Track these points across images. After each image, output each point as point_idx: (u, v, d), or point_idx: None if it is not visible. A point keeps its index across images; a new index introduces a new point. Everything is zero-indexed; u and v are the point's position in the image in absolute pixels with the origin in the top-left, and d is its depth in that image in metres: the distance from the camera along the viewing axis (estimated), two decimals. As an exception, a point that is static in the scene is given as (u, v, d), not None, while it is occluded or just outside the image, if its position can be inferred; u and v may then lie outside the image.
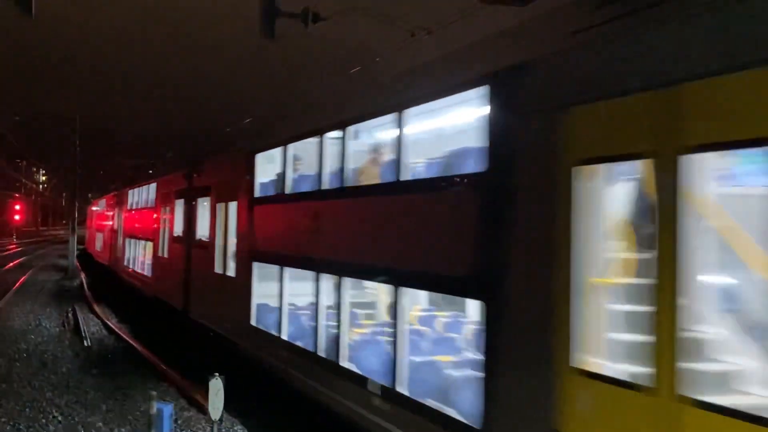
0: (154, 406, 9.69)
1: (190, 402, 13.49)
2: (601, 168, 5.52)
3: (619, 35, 5.51)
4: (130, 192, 32.44)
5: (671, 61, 4.96)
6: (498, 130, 6.81)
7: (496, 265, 6.69)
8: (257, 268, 13.58)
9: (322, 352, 10.67)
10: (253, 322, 13.59)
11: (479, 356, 7.13)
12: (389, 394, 8.54)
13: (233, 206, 15.30)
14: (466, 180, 7.52)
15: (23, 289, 32.65)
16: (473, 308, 9.53)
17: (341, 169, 10.08)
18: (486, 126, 7.00)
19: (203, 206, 18.25)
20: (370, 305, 11.58)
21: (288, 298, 12.30)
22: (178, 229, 21.20)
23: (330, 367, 10.22)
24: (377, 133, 10.35)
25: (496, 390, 6.65)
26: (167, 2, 26.13)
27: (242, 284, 14.21)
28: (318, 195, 11.02)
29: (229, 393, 9.44)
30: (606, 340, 5.45)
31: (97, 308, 26.75)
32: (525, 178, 6.35)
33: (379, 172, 9.73)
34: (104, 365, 16.98)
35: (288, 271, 12.20)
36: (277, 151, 12.89)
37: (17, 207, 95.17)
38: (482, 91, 7.11)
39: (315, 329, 10.86)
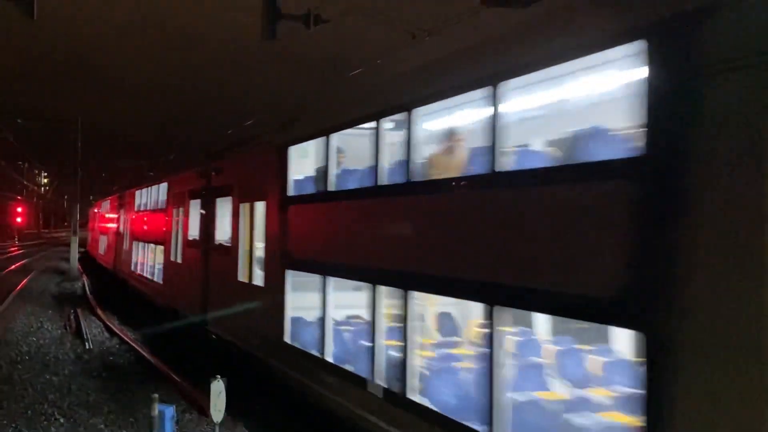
0: (156, 408, 9.67)
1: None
2: None
3: None
4: (138, 193, 30.70)
5: None
6: (665, 98, 5.10)
7: (668, 282, 4.95)
8: (291, 276, 12.01)
9: (380, 380, 8.99)
10: (287, 339, 12.04)
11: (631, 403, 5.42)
12: None
13: (260, 207, 13.79)
14: (614, 166, 5.67)
15: (24, 292, 32.59)
16: (596, 334, 7.99)
17: (406, 161, 8.43)
18: (643, 94, 5.29)
19: (223, 207, 16.62)
20: (448, 325, 10.05)
21: (332, 313, 10.70)
22: (194, 231, 19.57)
23: (394, 399, 8.55)
24: (455, 115, 8.70)
25: None
26: (168, 4, 26.16)
27: (273, 295, 12.63)
28: (373, 192, 9.37)
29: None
30: None
31: (102, 316, 25.57)
32: (714, 162, 4.73)
33: (459, 162, 8.23)
34: (110, 372, 16.56)
35: (332, 282, 10.58)
36: (316, 143, 11.47)
37: (19, 209, 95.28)
38: (635, 47, 5.42)
39: (370, 351, 9.20)
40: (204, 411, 11.79)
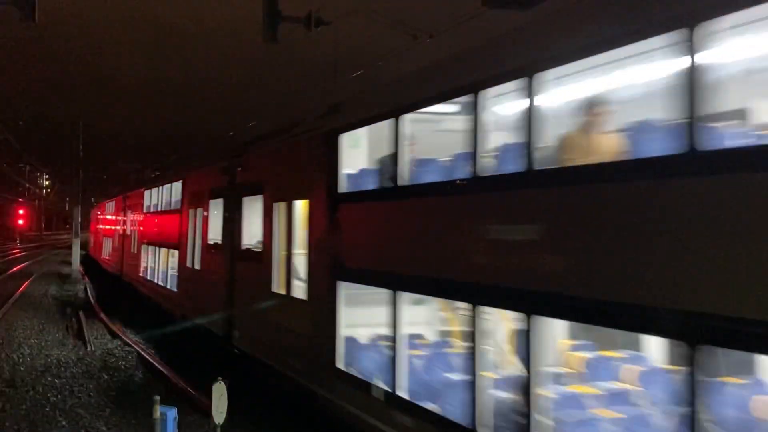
0: (158, 410, 9.67)
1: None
2: None
3: None
4: (147, 193, 28.44)
5: None
6: None
7: None
8: (345, 289, 10.05)
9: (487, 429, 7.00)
10: (340, 365, 10.04)
11: None
12: None
13: (300, 206, 11.80)
14: None
15: (26, 294, 32.58)
16: None
17: (526, 144, 6.38)
18: None
19: (251, 207, 14.59)
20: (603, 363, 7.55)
21: (406, 337, 8.77)
22: (214, 234, 17.44)
23: None
24: (609, 77, 6.52)
25: None
26: (169, 8, 26.22)
27: (320, 310, 10.74)
28: (470, 186, 7.39)
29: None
30: None
31: (107, 321, 24.91)
32: None
33: (614, 143, 6.32)
34: (112, 374, 16.30)
35: (406, 298, 8.64)
36: (378, 128, 9.28)
37: (21, 211, 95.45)
38: None
39: (469, 389, 7.24)
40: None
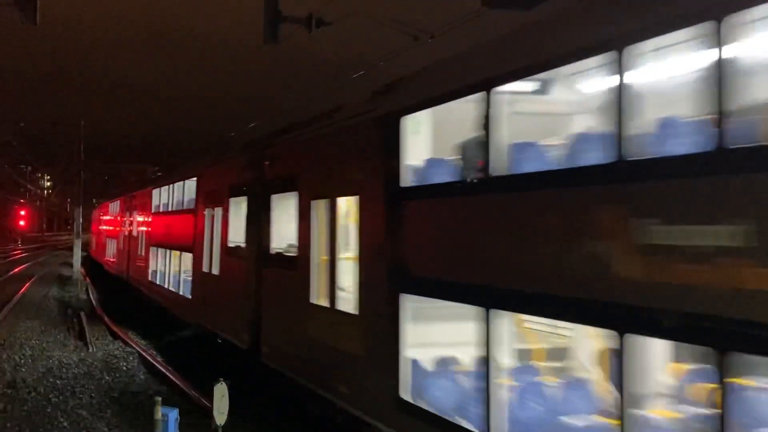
0: (159, 411, 9.67)
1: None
2: None
3: None
4: (156, 192, 26.81)
5: None
6: None
7: None
8: (410, 303, 8.32)
9: None
10: (405, 395, 8.27)
11: None
12: None
13: (346, 204, 10.25)
14: None
15: (27, 296, 32.56)
16: None
17: (717, 114, 4.70)
18: None
19: (283, 205, 12.99)
20: None
21: (503, 368, 7.02)
22: (236, 236, 15.75)
23: None
24: None
25: None
26: (169, 9, 26.25)
27: (375, 327, 9.03)
28: (614, 173, 5.58)
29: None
30: None
31: (112, 325, 24.70)
32: None
33: None
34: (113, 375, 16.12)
35: (505, 318, 6.94)
36: (457, 106, 7.61)
37: (22, 213, 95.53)
38: None
39: None
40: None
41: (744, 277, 4.51)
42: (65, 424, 12.40)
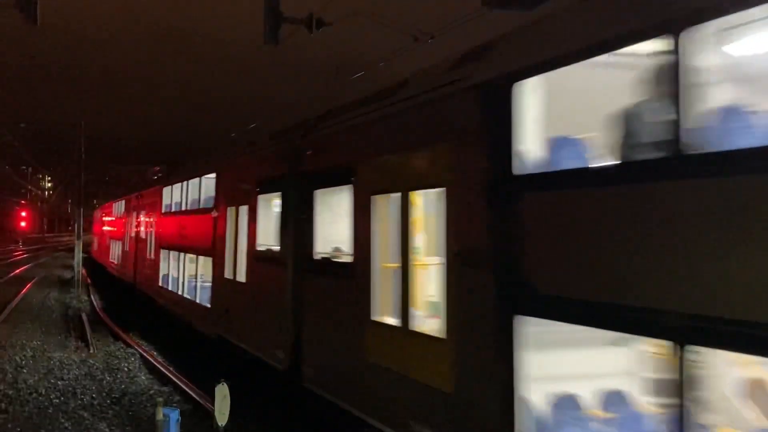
0: (161, 412, 9.69)
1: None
2: None
3: None
4: (166, 190, 24.56)
5: None
6: None
7: None
8: (533, 327, 6.20)
9: None
10: None
11: None
12: None
13: (424, 199, 8.41)
14: None
15: (27, 297, 32.57)
16: None
17: None
18: None
19: (330, 201, 11.29)
20: None
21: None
22: (268, 239, 13.51)
23: None
24: None
25: None
26: (169, 9, 26.23)
27: (474, 356, 7.01)
28: None
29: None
30: None
31: (117, 330, 24.70)
32: None
33: None
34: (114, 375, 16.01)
35: (710, 358, 4.74)
36: (609, 63, 5.84)
37: (23, 214, 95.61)
38: None
39: None
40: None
41: None
42: (67, 425, 12.41)
